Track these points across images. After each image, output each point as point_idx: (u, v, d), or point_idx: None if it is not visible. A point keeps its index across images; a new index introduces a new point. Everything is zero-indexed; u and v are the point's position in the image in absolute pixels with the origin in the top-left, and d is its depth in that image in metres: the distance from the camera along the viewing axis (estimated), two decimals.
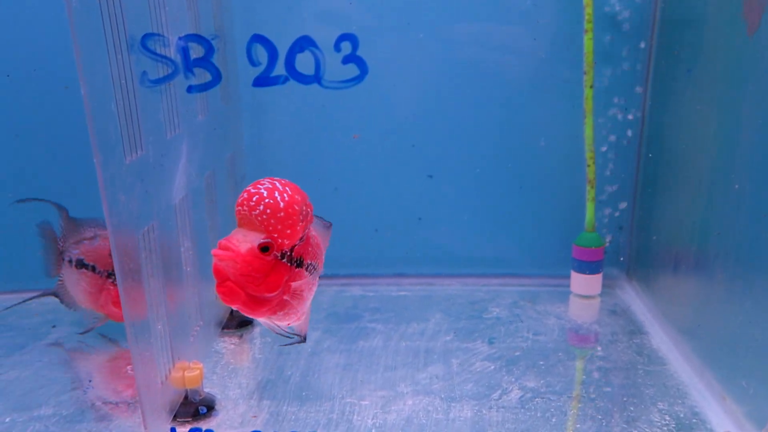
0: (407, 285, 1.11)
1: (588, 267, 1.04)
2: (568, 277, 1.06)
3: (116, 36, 0.54)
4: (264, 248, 0.57)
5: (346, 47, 0.48)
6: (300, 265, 0.61)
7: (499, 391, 0.79)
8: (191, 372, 0.74)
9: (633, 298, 1.04)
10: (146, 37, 0.49)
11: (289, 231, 0.58)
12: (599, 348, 0.90)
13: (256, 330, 0.95)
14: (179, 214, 0.74)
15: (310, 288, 0.65)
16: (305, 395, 0.79)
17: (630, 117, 1.04)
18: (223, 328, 0.94)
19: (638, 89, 1.02)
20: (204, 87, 0.49)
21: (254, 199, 0.56)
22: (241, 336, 0.94)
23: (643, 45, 1.00)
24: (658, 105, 0.98)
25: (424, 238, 1.10)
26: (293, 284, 0.60)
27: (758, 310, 0.68)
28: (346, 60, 0.48)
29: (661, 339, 0.91)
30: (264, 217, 0.56)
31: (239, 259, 0.56)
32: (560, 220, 1.08)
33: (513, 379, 0.82)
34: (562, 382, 0.81)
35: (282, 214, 0.57)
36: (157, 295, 0.67)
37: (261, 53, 0.48)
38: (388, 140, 1.06)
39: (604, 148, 1.05)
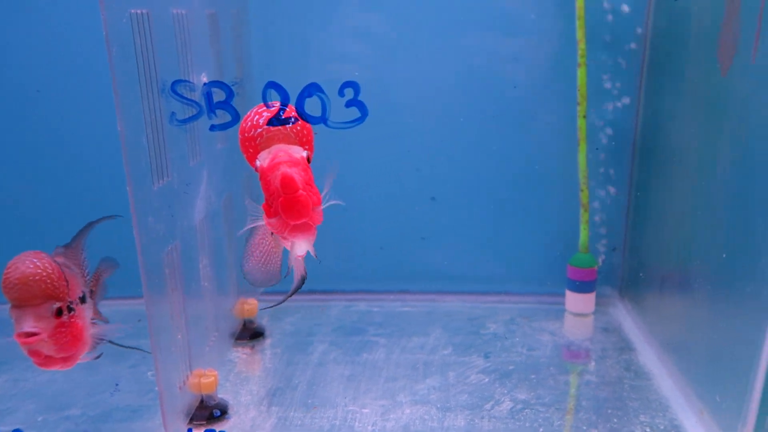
0: (411, 301, 1.17)
1: (582, 286, 1.09)
2: (564, 295, 1.12)
3: (149, 79, 0.61)
4: (308, 159, 0.56)
5: (349, 93, 0.55)
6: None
7: (492, 402, 0.85)
8: (207, 379, 0.80)
9: (624, 316, 1.10)
10: (176, 82, 0.56)
11: (308, 145, 0.57)
12: (590, 363, 0.95)
13: (267, 342, 1.02)
14: (199, 234, 0.81)
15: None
16: (311, 402, 0.85)
17: (626, 149, 1.10)
18: (236, 339, 1.01)
19: (629, 121, 1.09)
20: (224, 126, 0.56)
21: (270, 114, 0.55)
22: (252, 347, 1.00)
23: (632, 80, 1.07)
24: (648, 136, 1.05)
25: (427, 257, 1.16)
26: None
27: (730, 328, 0.73)
28: (349, 104, 0.55)
29: (647, 355, 0.96)
30: (298, 128, 0.56)
31: (303, 165, 0.54)
32: (556, 241, 1.14)
33: (505, 391, 0.87)
34: (551, 395, 0.86)
35: (306, 130, 0.57)
36: (179, 307, 0.74)
37: (275, 97, 0.55)
38: (394, 165, 1.13)
39: (597, 171, 1.11)
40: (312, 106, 0.56)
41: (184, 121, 0.58)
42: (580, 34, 1.01)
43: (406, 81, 1.07)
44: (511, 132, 1.10)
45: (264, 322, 1.09)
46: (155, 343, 0.68)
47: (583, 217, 1.09)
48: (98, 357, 0.63)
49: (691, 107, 0.87)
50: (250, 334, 1.02)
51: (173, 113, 0.56)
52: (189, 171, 0.76)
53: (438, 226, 1.15)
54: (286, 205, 0.52)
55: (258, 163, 0.54)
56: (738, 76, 0.74)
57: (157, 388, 0.69)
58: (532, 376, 0.91)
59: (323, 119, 0.55)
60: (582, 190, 1.08)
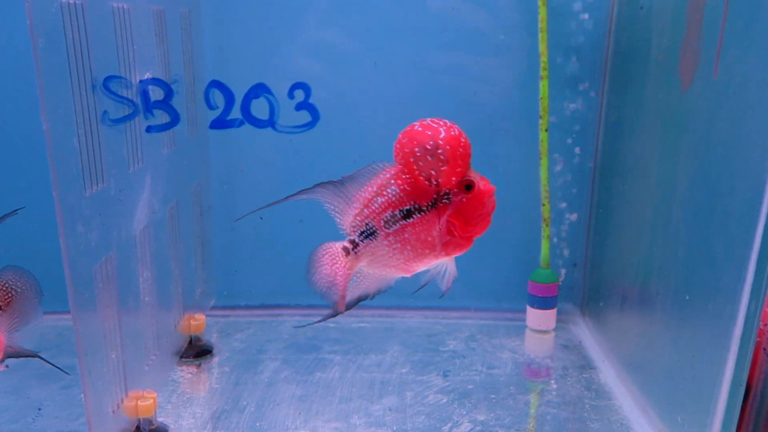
0: (368, 317, 1.13)
1: (543, 302, 1.07)
2: (524, 311, 1.09)
3: (81, 75, 0.56)
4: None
5: (299, 95, 0.51)
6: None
7: (450, 424, 0.81)
8: (144, 401, 0.74)
9: (585, 333, 1.08)
10: (109, 78, 0.51)
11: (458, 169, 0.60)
12: (551, 382, 0.93)
13: (215, 360, 0.96)
14: (140, 245, 0.76)
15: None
16: (259, 426, 0.80)
17: (587, 163, 1.09)
18: (181, 358, 0.95)
19: (591, 136, 1.08)
20: (163, 128, 0.51)
21: (453, 133, 0.58)
22: (198, 365, 0.94)
23: (593, 94, 1.06)
24: (609, 151, 1.04)
25: None
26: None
27: (690, 346, 0.72)
28: (299, 107, 0.51)
29: (608, 374, 0.94)
30: (467, 153, 0.60)
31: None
32: (518, 256, 1.12)
33: (464, 412, 0.84)
34: (511, 416, 0.83)
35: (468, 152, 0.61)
36: (113, 324, 0.68)
37: (219, 98, 0.50)
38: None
39: (559, 186, 1.10)
40: (260, 109, 0.52)
41: (118, 121, 0.53)
42: (542, 47, 1.00)
43: (365, 90, 1.04)
44: (476, 138, 1.08)
45: (212, 339, 1.03)
46: (84, 363, 0.62)
47: (545, 231, 1.07)
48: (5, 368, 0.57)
49: (651, 122, 0.86)
50: (196, 351, 0.96)
51: (105, 112, 0.51)
52: (128, 177, 0.71)
53: None
54: (486, 225, 0.60)
55: (473, 180, 0.59)
56: (699, 91, 0.73)
57: (86, 412, 0.63)
58: (492, 396, 0.88)
59: (271, 123, 0.51)
60: (543, 205, 1.06)
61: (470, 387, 0.90)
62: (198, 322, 0.97)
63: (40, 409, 0.78)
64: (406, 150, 0.57)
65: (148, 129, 0.52)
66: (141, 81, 0.49)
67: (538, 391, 0.91)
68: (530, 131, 1.06)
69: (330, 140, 1.04)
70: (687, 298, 0.73)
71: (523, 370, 0.96)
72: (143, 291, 0.77)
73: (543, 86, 1.01)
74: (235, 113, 0.51)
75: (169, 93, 0.51)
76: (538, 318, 1.08)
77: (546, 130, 1.03)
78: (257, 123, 0.52)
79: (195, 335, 0.97)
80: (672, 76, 0.78)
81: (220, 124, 0.51)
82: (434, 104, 1.06)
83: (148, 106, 0.51)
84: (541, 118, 1.03)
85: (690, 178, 0.75)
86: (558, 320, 1.09)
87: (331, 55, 1.01)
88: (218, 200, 1.07)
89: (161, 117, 0.51)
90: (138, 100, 0.50)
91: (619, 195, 0.99)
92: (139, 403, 0.74)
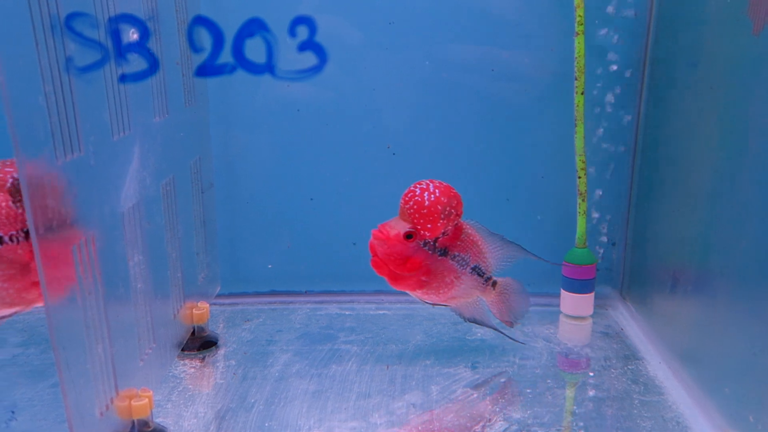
0: (387, 303, 1.04)
1: (579, 286, 0.97)
2: (558, 296, 0.99)
3: (45, 12, 0.47)
4: (408, 236, 0.73)
5: (302, 32, 0.41)
6: (444, 254, 0.76)
7: (482, 423, 0.72)
8: (139, 401, 0.66)
9: (627, 320, 0.98)
10: (72, 16, 0.42)
11: (430, 225, 0.73)
12: (591, 374, 0.83)
13: (220, 352, 0.88)
14: (128, 224, 0.67)
15: (457, 276, 0.77)
16: (268, 426, 0.71)
17: (624, 122, 0.98)
18: (183, 350, 0.86)
19: (632, 93, 0.97)
20: (139, 76, 0.42)
21: (409, 195, 0.73)
22: (203, 359, 0.86)
23: (637, 47, 0.95)
24: (655, 109, 0.93)
25: None
26: (433, 267, 0.75)
27: (763, 334, 0.61)
28: (303, 47, 0.41)
29: (658, 365, 0.84)
30: (411, 211, 0.73)
31: (386, 241, 0.74)
32: (550, 235, 1.02)
33: (497, 409, 0.74)
34: (550, 413, 0.74)
35: (425, 211, 0.72)
36: (97, 314, 0.60)
37: (205, 38, 0.41)
38: (368, 147, 1.00)
39: (594, 160, 0.99)
40: (255, 51, 0.43)
41: (85, 69, 0.44)
42: None
43: (382, 51, 0.94)
44: (499, 108, 0.98)
45: (218, 329, 0.95)
46: (61, 357, 0.53)
47: (581, 207, 0.97)
48: None
49: (711, 71, 0.75)
50: (199, 343, 0.88)
51: (69, 58, 0.42)
52: (112, 146, 0.62)
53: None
54: (371, 261, 0.78)
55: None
56: None
57: (66, 416, 0.55)
58: (527, 391, 0.79)
59: (269, 67, 0.42)
60: (580, 177, 0.95)
61: (502, 380, 0.81)
62: (201, 311, 0.88)
63: (13, 412, 0.70)
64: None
65: (122, 78, 0.43)
66: (110, 19, 0.40)
67: (578, 384, 0.81)
68: (564, 93, 0.95)
69: (337, 110, 0.95)
70: (758, 278, 0.63)
71: (559, 361, 0.87)
72: (135, 276, 0.68)
73: (578, 43, 0.90)
74: (226, 57, 0.41)
75: (144, 33, 0.41)
76: (574, 303, 0.98)
77: (582, 93, 0.92)
78: (252, 68, 0.42)
79: (198, 325, 0.89)
80: (738, 18, 0.67)
81: (207, 70, 0.42)
82: (462, 57, 0.96)
83: (120, 50, 0.42)
84: (576, 79, 0.92)
85: (762, 136, 0.64)
86: (595, 305, 0.99)
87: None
88: (221, 177, 0.98)
89: (137, 63, 0.42)
90: (108, 43, 0.41)
91: (668, 159, 0.88)
92: (133, 402, 0.66)
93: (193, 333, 0.88)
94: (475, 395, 0.78)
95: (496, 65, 0.96)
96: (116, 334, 0.63)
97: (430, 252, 0.75)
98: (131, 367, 0.68)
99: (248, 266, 1.05)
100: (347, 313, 1.01)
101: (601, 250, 1.04)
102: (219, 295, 1.03)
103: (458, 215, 0.75)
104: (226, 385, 0.80)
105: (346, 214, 1.02)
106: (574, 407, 0.76)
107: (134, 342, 0.69)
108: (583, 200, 0.96)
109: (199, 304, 0.90)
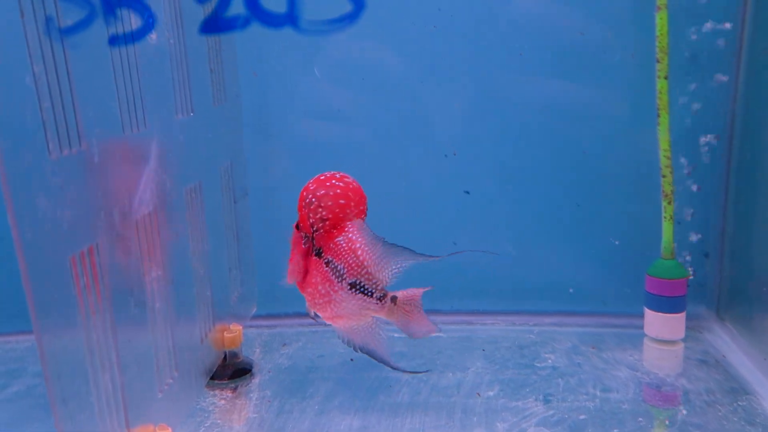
0: (441, 324, 0.92)
1: (667, 304, 0.83)
2: (641, 316, 0.86)
3: None
4: (298, 225, 0.71)
5: None
6: (318, 254, 0.70)
7: None
8: None
9: (729, 345, 0.83)
10: None
11: (299, 213, 0.70)
12: (689, 411, 0.69)
13: (254, 381, 0.78)
14: (144, 233, 0.58)
15: (333, 288, 0.70)
16: None
17: (716, 112, 0.85)
18: (212, 379, 0.77)
19: (723, 78, 0.84)
20: (133, 37, 0.33)
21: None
22: (234, 389, 0.76)
23: (728, 26, 0.82)
24: (754, 96, 0.79)
25: (460, 267, 0.92)
26: (310, 267, 0.70)
27: None
28: None
29: None
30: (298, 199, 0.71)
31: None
32: (630, 244, 0.90)
33: None
34: None
35: (299, 198, 0.70)
36: (102, 338, 0.51)
37: None
38: (418, 149, 0.90)
39: (682, 157, 0.86)
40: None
41: (69, 31, 0.36)
42: None
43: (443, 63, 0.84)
44: (567, 101, 0.87)
45: (253, 354, 0.85)
46: (54, 389, 0.44)
47: (667, 211, 0.83)
48: None
49: None
50: (231, 371, 0.79)
51: (49, 18, 0.34)
52: (123, 142, 0.54)
53: (474, 226, 0.92)
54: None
55: None
56: None
57: None
58: (614, 431, 0.65)
59: (291, 18, 0.32)
60: (664, 176, 0.82)
61: (582, 417, 0.68)
62: (233, 334, 0.79)
63: None
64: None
65: (112, 40, 0.35)
66: None
67: (677, 423, 0.67)
68: (643, 78, 0.83)
69: (382, 108, 0.85)
70: None
71: (649, 394, 0.73)
72: (152, 294, 0.60)
73: (660, 19, 0.78)
74: (237, 7, 0.32)
75: None
76: (661, 324, 0.83)
77: (666, 78, 0.79)
78: (270, 20, 0.34)
79: (230, 350, 0.80)
80: None
81: (214, 25, 0.33)
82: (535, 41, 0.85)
83: (110, 4, 0.33)
84: (658, 62, 0.79)
85: None
86: (687, 327, 0.84)
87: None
88: (256, 185, 0.90)
89: (130, 20, 0.34)
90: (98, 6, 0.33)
91: None
92: None
93: (224, 359, 0.79)
94: None
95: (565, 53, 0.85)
96: (128, 361, 0.54)
97: (305, 247, 0.70)
98: (147, 400, 0.58)
99: (288, 284, 0.97)
100: (396, 335, 0.90)
101: (691, 262, 0.90)
102: (255, 317, 0.94)
103: (315, 207, 0.68)
104: (260, 420, 0.70)
105: (393, 224, 0.92)
106: None
107: (151, 370, 0.60)
108: (669, 203, 0.83)
109: (231, 326, 0.81)
